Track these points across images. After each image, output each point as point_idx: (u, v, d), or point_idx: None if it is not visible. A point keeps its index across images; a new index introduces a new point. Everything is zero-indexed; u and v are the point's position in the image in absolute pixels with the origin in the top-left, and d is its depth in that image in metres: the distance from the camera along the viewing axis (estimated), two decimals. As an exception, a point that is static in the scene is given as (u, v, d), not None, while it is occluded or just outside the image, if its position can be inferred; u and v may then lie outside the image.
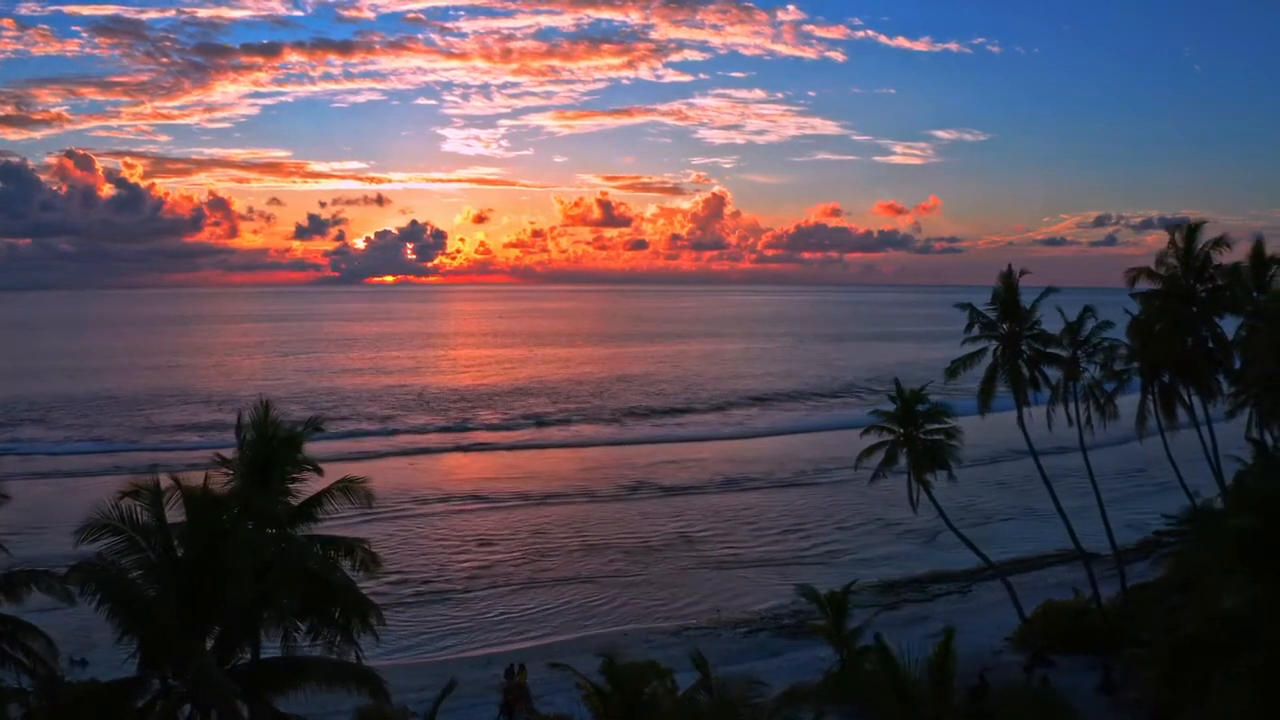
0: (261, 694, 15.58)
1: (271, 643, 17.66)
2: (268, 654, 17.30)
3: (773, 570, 40.22)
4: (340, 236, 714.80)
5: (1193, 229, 29.49)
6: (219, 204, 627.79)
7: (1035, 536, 42.90)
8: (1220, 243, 29.71)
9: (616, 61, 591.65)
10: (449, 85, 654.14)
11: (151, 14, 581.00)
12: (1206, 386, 29.87)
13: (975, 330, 28.19)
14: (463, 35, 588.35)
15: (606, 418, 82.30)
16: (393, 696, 27.81)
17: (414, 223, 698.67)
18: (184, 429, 76.81)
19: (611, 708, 16.08)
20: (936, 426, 28.08)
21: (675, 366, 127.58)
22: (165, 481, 16.11)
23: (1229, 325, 31.59)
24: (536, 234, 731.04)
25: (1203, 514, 18.00)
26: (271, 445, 18.81)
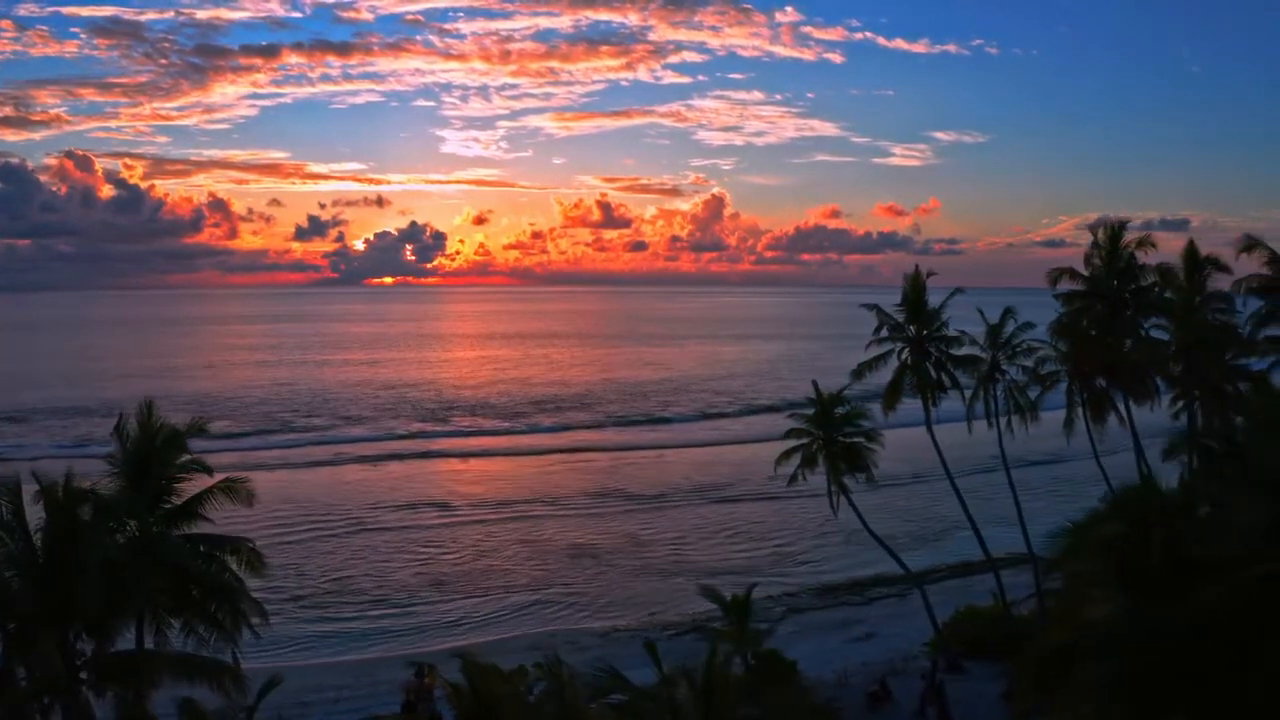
0: (113, 686, 16.03)
1: (149, 638, 18.19)
2: (144, 648, 17.75)
3: (721, 576, 40.35)
4: (340, 238, 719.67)
5: (1116, 227, 29.51)
6: (218, 205, 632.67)
7: (993, 540, 43.10)
8: (1145, 242, 29.81)
9: (615, 63, 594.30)
10: (448, 87, 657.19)
11: (150, 15, 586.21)
12: (1136, 390, 30.01)
13: (884, 332, 28.35)
14: (461, 37, 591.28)
15: (587, 423, 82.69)
16: (311, 694, 29.04)
17: (413, 224, 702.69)
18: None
19: (466, 706, 16.48)
20: (855, 430, 28.31)
21: (664, 369, 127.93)
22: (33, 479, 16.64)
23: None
24: (536, 235, 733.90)
25: (1076, 523, 18.21)
26: (153, 446, 19.33)
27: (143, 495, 18.67)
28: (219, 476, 20.06)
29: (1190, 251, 32.25)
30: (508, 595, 38.06)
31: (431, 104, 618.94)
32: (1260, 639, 14.00)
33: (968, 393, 28.59)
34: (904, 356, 28.31)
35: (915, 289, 27.71)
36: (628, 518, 50.05)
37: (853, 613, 34.85)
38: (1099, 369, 29.26)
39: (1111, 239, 29.52)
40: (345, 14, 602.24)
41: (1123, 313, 28.68)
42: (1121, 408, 30.49)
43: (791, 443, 28.85)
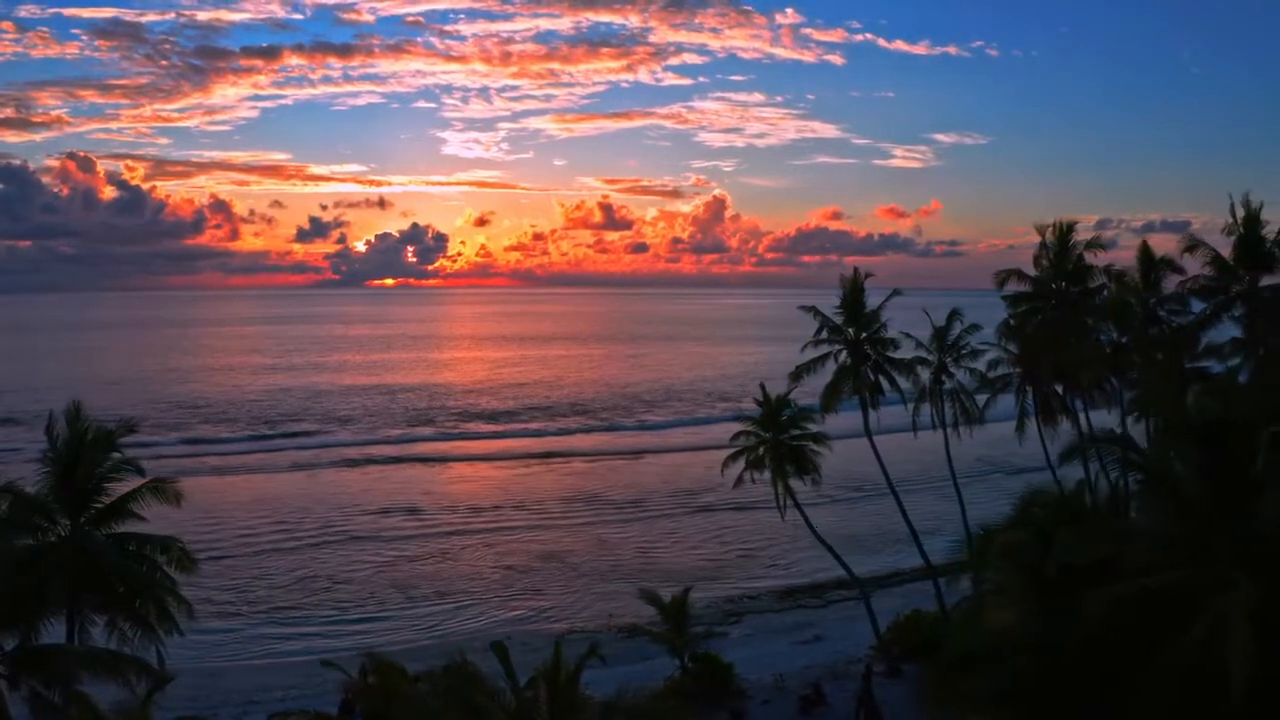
0: (29, 680, 16.49)
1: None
2: (59, 643, 18.21)
3: (685, 579, 40.46)
4: (341, 239, 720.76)
5: (1065, 228, 29.61)
6: (220, 206, 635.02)
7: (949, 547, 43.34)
8: (1095, 243, 30.02)
9: (616, 65, 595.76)
10: (448, 88, 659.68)
11: (151, 17, 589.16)
12: (1087, 392, 30.28)
13: (824, 333, 28.63)
14: (462, 38, 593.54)
15: (572, 428, 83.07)
16: (261, 694, 29.52)
17: (415, 226, 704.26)
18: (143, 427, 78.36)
19: (370, 703, 16.93)
20: (801, 433, 28.64)
21: (656, 371, 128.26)
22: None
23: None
24: (537, 237, 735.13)
25: (984, 530, 18.55)
26: (82, 445, 19.83)
27: (69, 494, 19.18)
28: (150, 478, 20.58)
29: (1145, 253, 32.46)
30: (471, 598, 38.52)
31: (432, 106, 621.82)
32: (1146, 650, 14.24)
33: (909, 397, 28.82)
34: (842, 359, 28.60)
35: (853, 291, 28.01)
36: (600, 522, 50.43)
37: (807, 616, 35.18)
38: (1047, 371, 29.51)
39: (1060, 240, 29.68)
40: (346, 16, 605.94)
41: (1069, 314, 28.87)
42: (1073, 408, 30.75)
43: (739, 445, 29.19)
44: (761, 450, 28.68)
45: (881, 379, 28.24)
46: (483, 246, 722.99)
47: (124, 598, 19.43)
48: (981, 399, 30.47)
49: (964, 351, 29.00)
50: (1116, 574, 14.90)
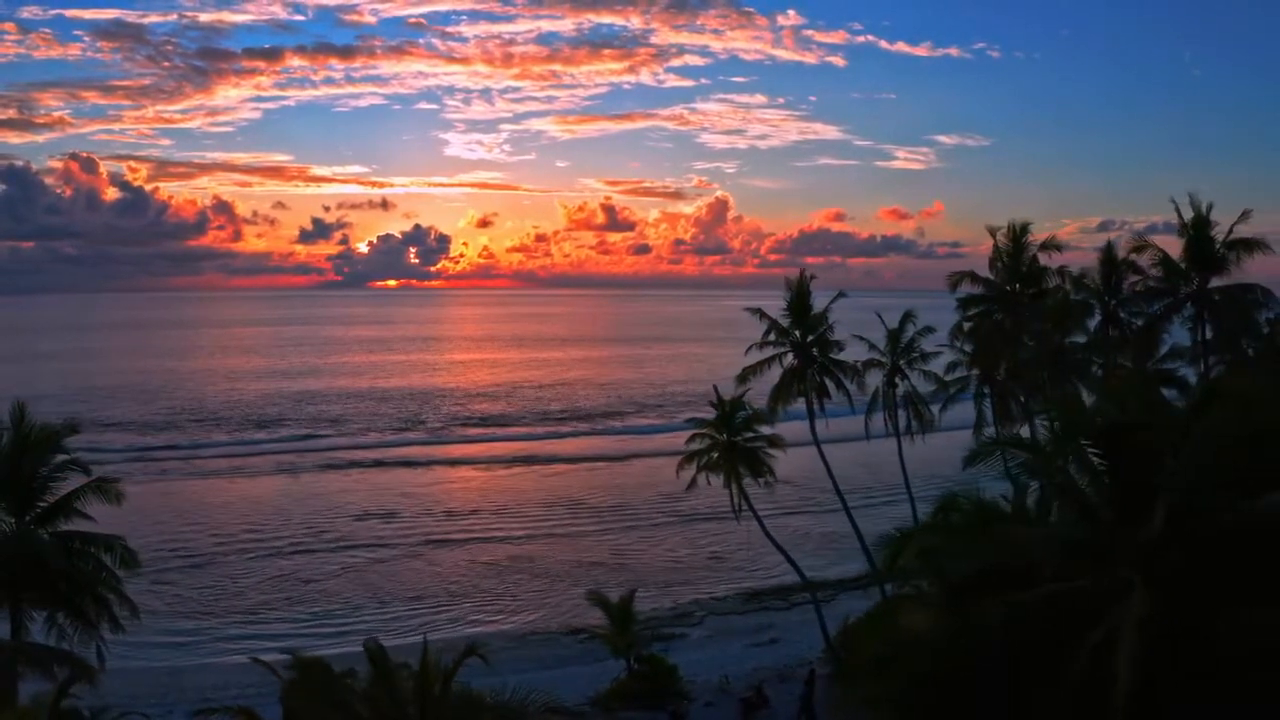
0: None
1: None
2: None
3: (659, 581, 41.05)
4: (344, 241, 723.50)
5: (1019, 229, 29.76)
6: (222, 207, 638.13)
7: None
8: (1049, 245, 30.18)
9: (617, 66, 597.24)
10: (450, 90, 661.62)
11: (153, 18, 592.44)
12: (1039, 394, 30.50)
13: (772, 335, 28.90)
14: (464, 40, 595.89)
15: (562, 432, 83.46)
16: (216, 692, 29.99)
17: (417, 227, 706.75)
18: (132, 429, 79.37)
19: (295, 700, 17.33)
20: (754, 434, 28.95)
21: (651, 373, 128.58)
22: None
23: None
24: (539, 238, 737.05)
25: (901, 532, 18.79)
26: (25, 445, 20.34)
27: (13, 493, 19.71)
28: (94, 478, 21.12)
29: (1107, 254, 32.56)
30: (436, 601, 38.91)
31: (434, 107, 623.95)
32: (1047, 658, 14.43)
33: (857, 399, 29.11)
34: (788, 361, 28.89)
35: (799, 293, 28.30)
36: (576, 525, 50.82)
37: (769, 618, 35.49)
38: (1002, 372, 29.75)
39: (1014, 241, 29.83)
40: (348, 17, 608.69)
41: (1020, 316, 29.07)
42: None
43: (693, 448, 29.52)
44: (715, 454, 28.98)
45: (828, 381, 28.51)
46: (485, 248, 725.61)
47: (66, 595, 19.95)
48: (939, 403, 30.67)
49: (915, 355, 29.25)
50: (1028, 580, 15.15)
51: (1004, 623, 14.68)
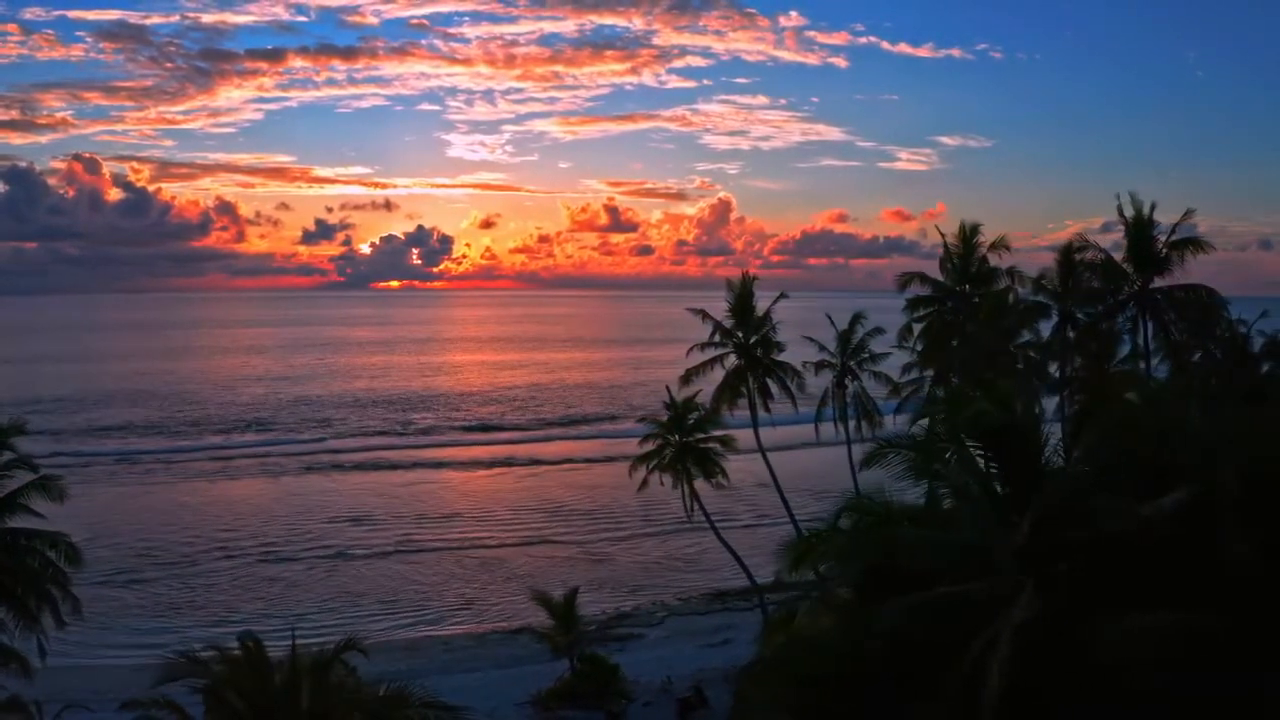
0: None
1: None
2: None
3: (630, 582, 41.53)
4: (346, 242, 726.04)
5: (969, 230, 30.10)
6: (225, 208, 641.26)
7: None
8: (998, 244, 30.47)
9: (620, 67, 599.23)
10: (453, 91, 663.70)
11: (155, 19, 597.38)
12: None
13: (716, 336, 29.37)
14: (466, 41, 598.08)
15: (554, 435, 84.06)
16: (177, 685, 30.73)
17: (420, 228, 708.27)
18: (123, 430, 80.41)
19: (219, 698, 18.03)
20: (706, 436, 29.48)
21: (647, 374, 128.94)
22: None
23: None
24: (542, 239, 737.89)
25: (806, 534, 19.18)
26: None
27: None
28: (39, 474, 21.90)
29: (1065, 254, 32.74)
30: (413, 604, 39.47)
31: (436, 108, 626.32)
32: (937, 662, 14.82)
33: (801, 401, 29.57)
34: (731, 362, 29.40)
35: (742, 295, 28.80)
36: (551, 528, 51.26)
37: (730, 619, 35.92)
38: (951, 370, 30.04)
39: (964, 242, 30.18)
40: (350, 18, 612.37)
41: (965, 316, 29.41)
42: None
43: (646, 449, 30.09)
44: (668, 454, 29.53)
45: (770, 383, 29.03)
46: (488, 249, 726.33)
47: (7, 589, 20.73)
48: (893, 405, 31.08)
49: (865, 356, 29.69)
50: (929, 582, 15.57)
51: (894, 625, 15.13)
